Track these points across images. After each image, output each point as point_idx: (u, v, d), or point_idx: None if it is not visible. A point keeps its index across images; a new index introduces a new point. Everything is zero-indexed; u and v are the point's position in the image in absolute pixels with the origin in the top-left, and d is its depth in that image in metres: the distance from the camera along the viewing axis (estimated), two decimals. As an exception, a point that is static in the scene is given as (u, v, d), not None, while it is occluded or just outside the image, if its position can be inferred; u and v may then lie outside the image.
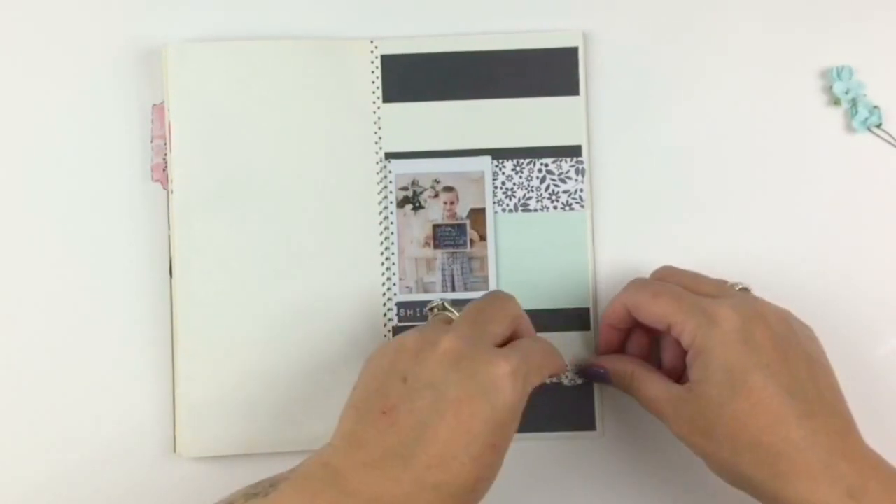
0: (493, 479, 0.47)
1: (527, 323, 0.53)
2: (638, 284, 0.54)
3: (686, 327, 0.50)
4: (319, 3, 0.62)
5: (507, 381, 0.46)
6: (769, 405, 0.48)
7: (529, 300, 0.59)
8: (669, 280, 0.54)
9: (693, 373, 0.50)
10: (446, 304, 0.52)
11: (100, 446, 0.59)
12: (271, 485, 0.47)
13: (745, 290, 0.54)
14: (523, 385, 0.47)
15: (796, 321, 0.52)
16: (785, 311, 0.52)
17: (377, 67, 0.61)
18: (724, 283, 0.54)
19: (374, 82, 0.60)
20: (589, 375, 0.58)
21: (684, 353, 0.51)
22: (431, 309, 0.53)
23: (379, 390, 0.47)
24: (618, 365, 0.55)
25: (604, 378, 0.56)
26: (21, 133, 0.61)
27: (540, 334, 0.54)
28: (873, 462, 0.48)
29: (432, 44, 0.60)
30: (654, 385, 0.52)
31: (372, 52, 0.61)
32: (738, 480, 0.49)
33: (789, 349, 0.49)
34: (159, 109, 0.61)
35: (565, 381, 0.58)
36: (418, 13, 0.62)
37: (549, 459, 0.59)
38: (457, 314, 0.51)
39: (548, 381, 0.53)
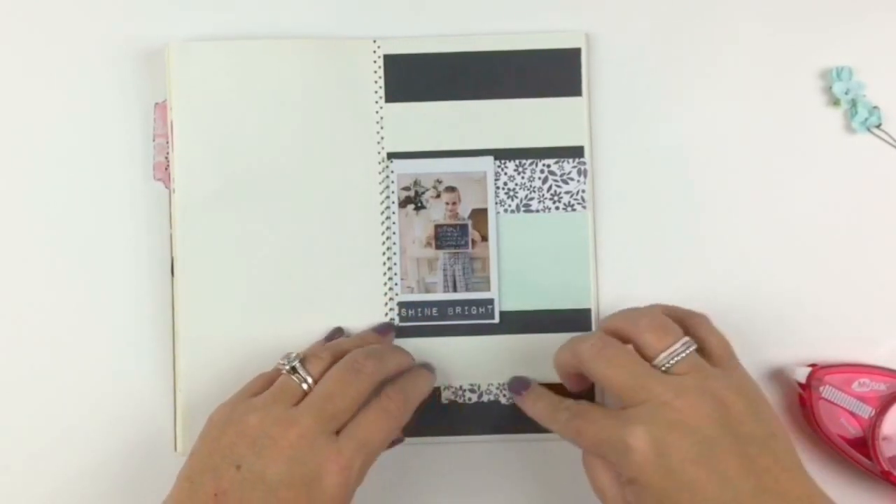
0: None
1: (396, 362, 0.55)
2: (584, 354, 0.51)
3: (609, 456, 0.49)
4: (322, 3, 0.61)
5: (335, 478, 0.48)
6: None
7: (530, 301, 0.59)
8: (619, 332, 0.51)
9: (628, 494, 0.49)
10: (297, 368, 0.51)
11: (100, 446, 0.59)
12: None
13: (692, 346, 0.50)
14: (356, 476, 0.49)
15: (730, 398, 0.48)
16: (710, 395, 0.48)
17: (380, 67, 0.60)
18: (678, 339, 0.50)
19: (376, 82, 0.60)
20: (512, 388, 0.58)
21: None
22: (287, 367, 0.52)
23: (214, 470, 0.49)
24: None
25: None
26: (23, 132, 0.61)
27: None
28: None
29: (435, 44, 0.60)
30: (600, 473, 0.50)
31: (374, 51, 0.60)
32: None
33: (711, 456, 0.46)
34: (161, 108, 0.61)
35: (503, 400, 0.59)
36: (421, 13, 0.61)
37: (550, 460, 0.59)
38: (309, 381, 0.51)
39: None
